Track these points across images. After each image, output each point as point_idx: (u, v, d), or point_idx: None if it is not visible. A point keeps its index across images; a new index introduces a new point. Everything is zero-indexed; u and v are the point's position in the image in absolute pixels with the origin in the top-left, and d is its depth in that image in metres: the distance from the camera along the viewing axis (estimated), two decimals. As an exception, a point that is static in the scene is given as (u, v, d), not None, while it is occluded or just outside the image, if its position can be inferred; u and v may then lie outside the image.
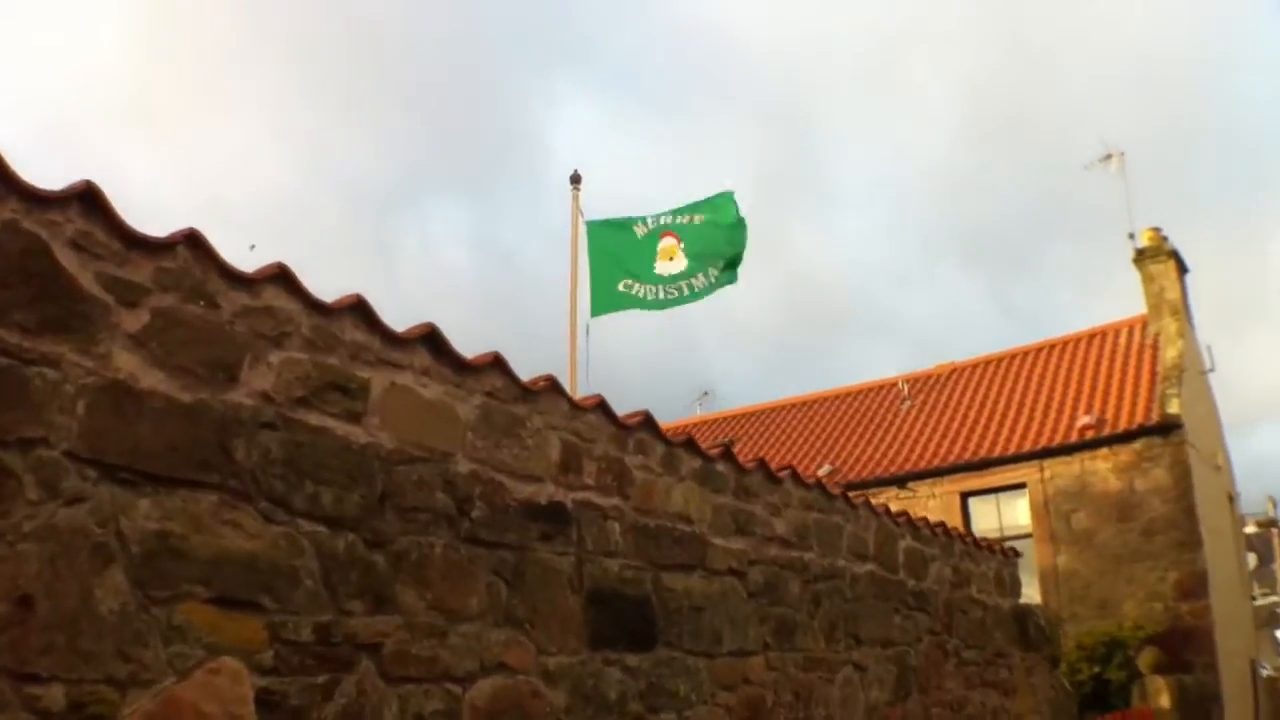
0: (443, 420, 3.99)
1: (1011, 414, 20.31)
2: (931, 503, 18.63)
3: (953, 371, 23.42)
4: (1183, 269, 20.69)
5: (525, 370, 4.44)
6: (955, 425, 20.87)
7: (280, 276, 3.44)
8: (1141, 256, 20.47)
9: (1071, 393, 19.96)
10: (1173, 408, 17.61)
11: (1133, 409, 18.32)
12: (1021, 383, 21.40)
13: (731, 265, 11.99)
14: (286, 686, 3.19)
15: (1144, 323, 20.69)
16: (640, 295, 11.93)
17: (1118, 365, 20.07)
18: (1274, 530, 37.89)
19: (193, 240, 3.18)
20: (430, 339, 3.98)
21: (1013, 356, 22.80)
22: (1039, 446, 18.66)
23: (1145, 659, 15.33)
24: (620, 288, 11.94)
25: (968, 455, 19.45)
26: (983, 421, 20.52)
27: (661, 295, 11.94)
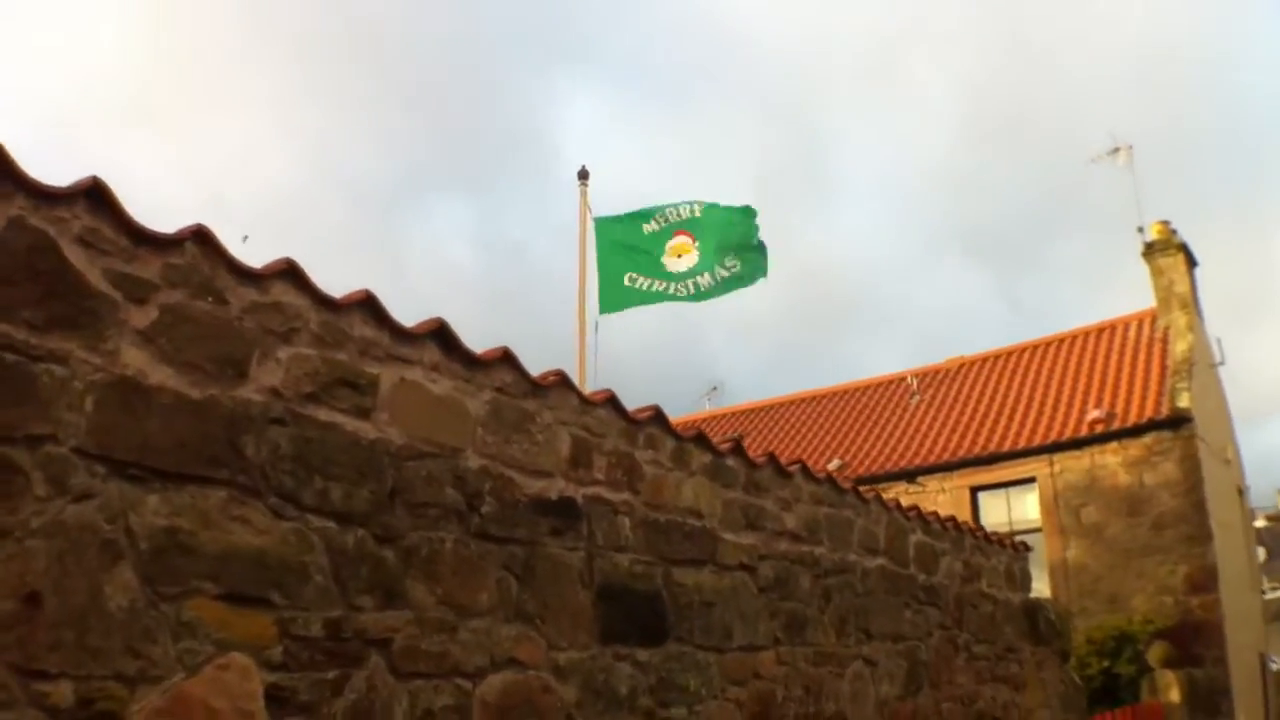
0: (452, 416, 3.98)
1: (1021, 408, 20.26)
2: (941, 497, 18.61)
3: (962, 366, 23.38)
4: (1192, 262, 20.61)
5: (534, 366, 4.43)
6: (964, 420, 20.83)
7: (289, 272, 3.43)
8: (1150, 250, 20.39)
9: (1081, 387, 19.91)
10: (1182, 401, 17.55)
11: (1142, 403, 18.26)
12: (1031, 377, 21.35)
13: (749, 263, 11.91)
14: (296, 682, 3.18)
15: (1153, 316, 20.62)
16: (648, 289, 11.91)
17: (1127, 359, 20.01)
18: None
19: (201, 236, 3.16)
20: (440, 334, 3.96)
21: (1022, 351, 22.74)
22: (1048, 441, 18.61)
23: (1155, 653, 15.28)
24: (627, 282, 11.91)
25: (977, 450, 19.41)
26: (992, 416, 20.48)
27: (670, 290, 11.90)
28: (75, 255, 2.81)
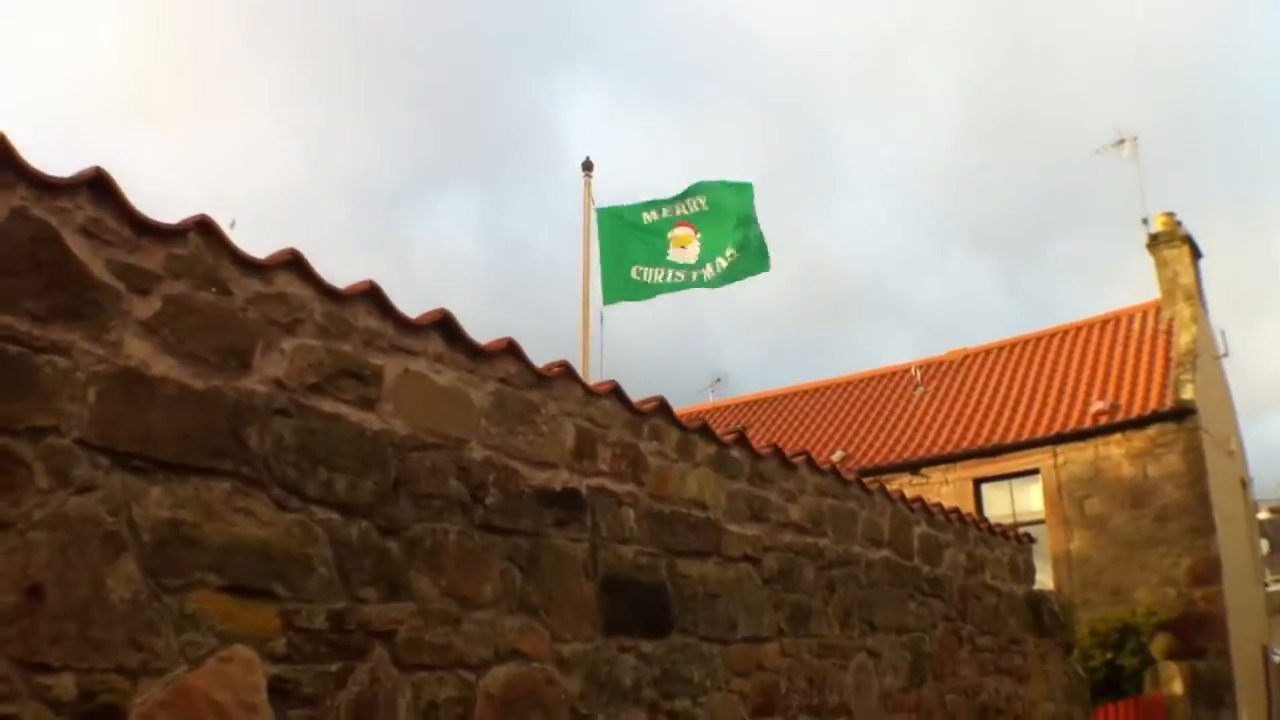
0: (457, 407, 3.96)
1: (1025, 400, 20.24)
2: (944, 489, 18.59)
3: (965, 357, 23.35)
4: (1196, 254, 20.57)
5: (539, 357, 4.42)
6: (968, 411, 20.81)
7: (293, 263, 3.41)
8: (1155, 242, 20.35)
9: (1085, 378, 19.87)
10: (1186, 393, 17.52)
11: (1146, 395, 18.24)
12: (1035, 368, 21.32)
13: (750, 254, 11.90)
14: (299, 674, 3.17)
15: (1157, 308, 20.58)
16: (651, 281, 11.88)
17: (1131, 351, 19.97)
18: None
19: (204, 227, 3.15)
20: (444, 325, 3.95)
21: (1026, 342, 22.71)
22: (1052, 432, 18.59)
23: (1158, 645, 15.29)
24: (633, 274, 11.88)
25: (981, 441, 19.39)
26: (996, 407, 20.45)
27: (673, 280, 11.88)
28: (78, 246, 2.80)
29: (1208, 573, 16.75)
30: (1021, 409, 19.93)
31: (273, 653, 3.10)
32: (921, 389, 22.76)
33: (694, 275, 11.89)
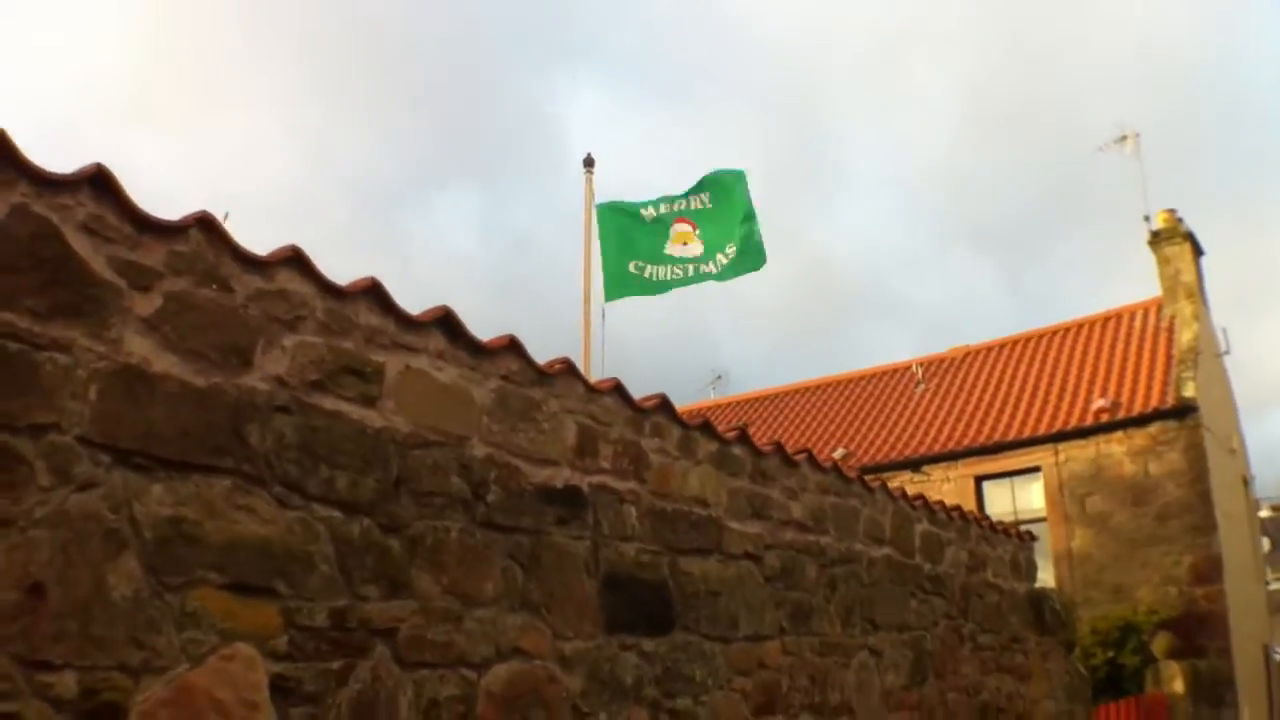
0: (458, 404, 3.96)
1: (1026, 397, 20.23)
2: (945, 486, 18.60)
3: (967, 355, 23.34)
4: (1198, 251, 20.56)
5: (541, 355, 4.41)
6: (969, 409, 20.81)
7: (294, 260, 3.40)
8: (1157, 239, 20.34)
9: (1086, 376, 19.87)
10: (1188, 391, 17.52)
11: (1148, 392, 18.24)
12: (1036, 366, 21.31)
13: (748, 251, 11.91)
14: (301, 672, 3.16)
15: (1159, 305, 20.57)
16: (651, 277, 11.87)
17: (1133, 348, 19.97)
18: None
19: (205, 224, 3.14)
20: (445, 322, 3.94)
21: (1027, 339, 22.70)
22: (1053, 430, 18.60)
23: (1159, 644, 15.29)
24: (632, 269, 11.87)
25: (982, 439, 19.39)
26: (997, 405, 20.45)
27: (673, 276, 11.88)
28: (79, 243, 2.79)
29: (1209, 571, 16.75)
30: (1023, 406, 19.93)
31: (274, 651, 3.09)
32: (923, 386, 22.75)
33: (693, 270, 11.88)
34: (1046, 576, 16.41)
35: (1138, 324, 20.80)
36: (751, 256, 11.93)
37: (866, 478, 6.98)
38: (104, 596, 2.69)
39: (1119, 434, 17.90)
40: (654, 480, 4.90)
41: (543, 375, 4.38)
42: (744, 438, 5.67)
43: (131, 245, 2.93)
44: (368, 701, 3.35)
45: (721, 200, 12.11)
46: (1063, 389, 19.86)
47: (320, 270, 3.48)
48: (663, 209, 12.11)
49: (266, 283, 3.31)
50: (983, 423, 19.98)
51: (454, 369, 3.96)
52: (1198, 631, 16.28)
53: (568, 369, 4.54)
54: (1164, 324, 19.93)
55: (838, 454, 19.75)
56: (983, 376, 21.97)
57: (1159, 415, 17.56)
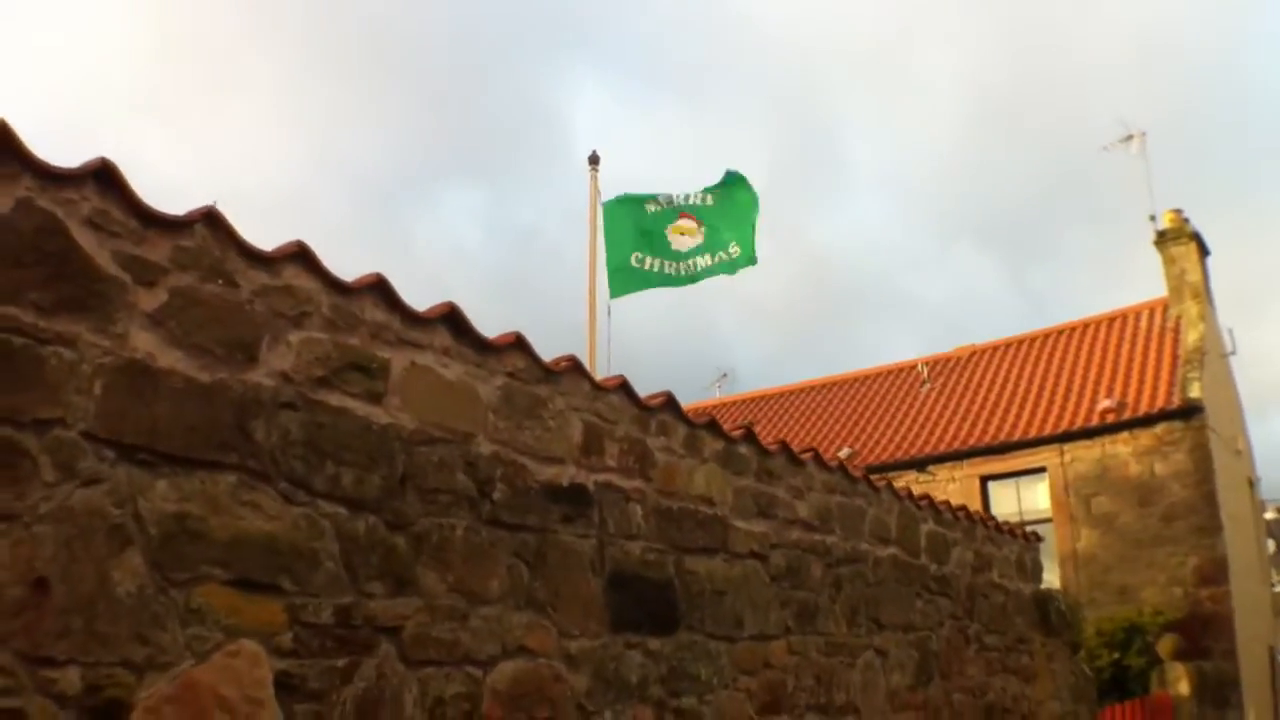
0: (464, 401, 3.94)
1: (1032, 397, 20.19)
2: (951, 486, 18.56)
3: (973, 354, 23.31)
4: (1204, 251, 20.51)
5: (546, 351, 4.40)
6: (975, 408, 20.77)
7: (300, 255, 3.39)
8: (1163, 239, 20.28)
9: (1092, 376, 19.83)
10: (1194, 391, 17.48)
11: (1154, 393, 18.20)
12: (1042, 366, 21.27)
13: (746, 247, 11.94)
14: (306, 669, 3.15)
15: (1165, 305, 20.53)
16: (655, 270, 11.87)
17: (1139, 349, 19.93)
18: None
19: (211, 218, 3.13)
20: (451, 318, 3.93)
21: (1033, 339, 22.66)
22: (1059, 430, 18.55)
23: (1164, 645, 15.25)
24: (634, 262, 11.86)
25: (987, 439, 19.36)
26: (1003, 405, 20.41)
27: (678, 271, 11.88)
28: (84, 237, 2.78)
29: (1214, 572, 16.71)
30: (1029, 406, 19.89)
31: (279, 647, 3.08)
32: (929, 386, 22.73)
33: (692, 265, 11.89)
34: (1052, 577, 16.34)
35: (1143, 324, 20.76)
36: (746, 256, 11.97)
37: (872, 477, 6.96)
38: (108, 592, 2.68)
39: (1124, 434, 17.86)
40: (660, 479, 4.89)
41: (548, 372, 4.37)
42: (750, 436, 5.65)
43: (137, 240, 2.92)
44: (372, 699, 3.34)
45: (726, 200, 12.12)
46: (1068, 389, 19.82)
47: (326, 266, 3.47)
48: (664, 203, 12.13)
49: (272, 278, 3.30)
50: (988, 422, 19.95)
51: (460, 366, 3.95)
52: (1203, 633, 16.24)
53: (574, 366, 4.53)
54: (1170, 324, 19.89)
55: (843, 453, 19.72)
56: (988, 376, 21.93)
57: (1165, 416, 17.52)
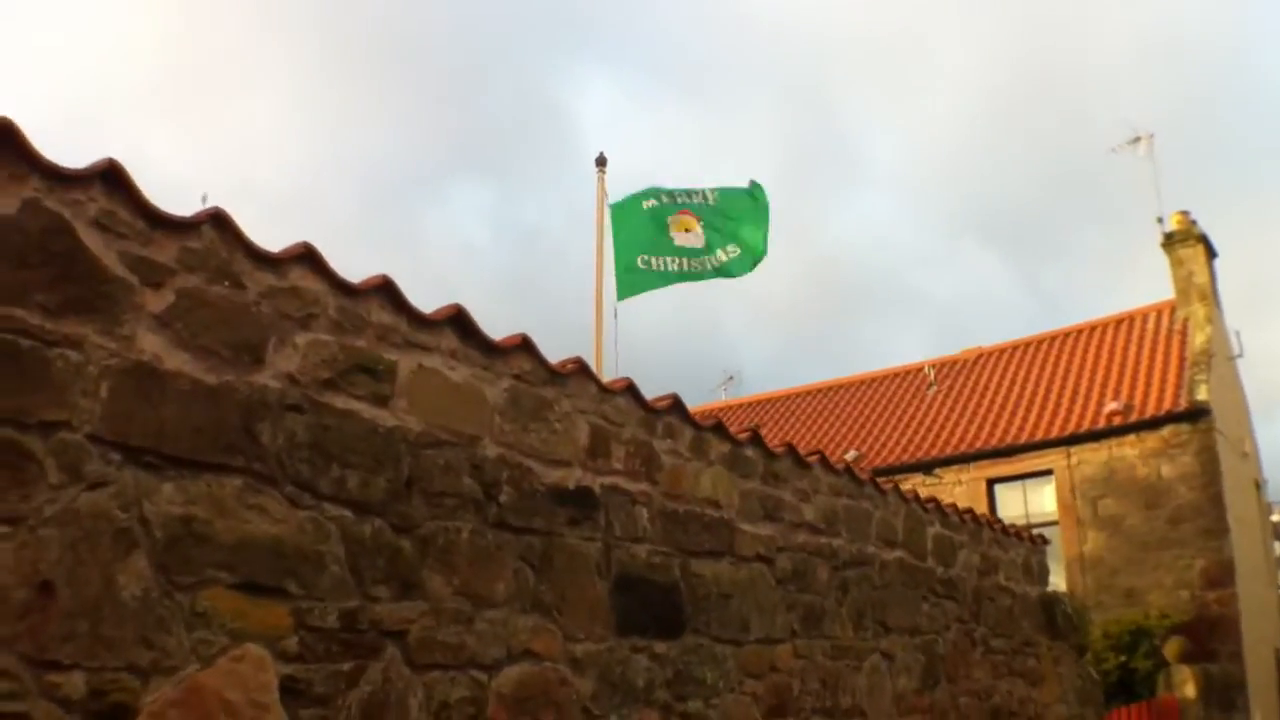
0: (470, 403, 3.93)
1: (1039, 400, 20.15)
2: (957, 489, 18.52)
3: (979, 357, 23.27)
4: (1211, 253, 20.45)
5: (553, 354, 4.39)
6: (982, 411, 20.73)
7: (306, 257, 3.38)
8: (1170, 240, 20.22)
9: (1099, 378, 19.78)
10: (1201, 394, 17.43)
11: (1161, 395, 18.15)
12: (1049, 368, 21.22)
13: (751, 252, 11.92)
14: (311, 674, 3.14)
15: (1172, 308, 20.47)
16: (659, 269, 11.85)
17: (1146, 351, 19.88)
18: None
19: (218, 220, 3.12)
20: (458, 320, 3.91)
21: (1040, 341, 22.61)
22: (1066, 433, 18.50)
23: (1171, 648, 15.21)
24: (639, 263, 11.85)
25: (994, 441, 19.31)
26: (1009, 407, 20.37)
27: (680, 268, 11.87)
28: (91, 238, 2.77)
29: (1221, 575, 16.66)
30: (1035, 409, 19.85)
31: (284, 651, 3.07)
32: (935, 388, 22.69)
33: (697, 263, 11.88)
34: (1058, 580, 16.34)
35: (1150, 326, 20.71)
36: (751, 257, 11.96)
37: (879, 480, 6.94)
38: (113, 596, 2.67)
39: (1131, 437, 17.81)
40: (666, 481, 4.87)
41: (555, 375, 4.36)
42: (756, 439, 5.64)
43: (144, 241, 2.91)
44: (378, 703, 3.33)
45: (729, 201, 12.11)
46: (1075, 391, 19.77)
47: (332, 267, 3.46)
48: (665, 200, 12.11)
49: (279, 280, 3.29)
50: (995, 425, 19.92)
51: (466, 368, 3.94)
52: (1209, 636, 16.20)
53: (580, 369, 4.52)
54: (1177, 326, 19.84)
55: (850, 456, 19.71)
56: (995, 379, 21.89)
57: (1172, 418, 17.47)
